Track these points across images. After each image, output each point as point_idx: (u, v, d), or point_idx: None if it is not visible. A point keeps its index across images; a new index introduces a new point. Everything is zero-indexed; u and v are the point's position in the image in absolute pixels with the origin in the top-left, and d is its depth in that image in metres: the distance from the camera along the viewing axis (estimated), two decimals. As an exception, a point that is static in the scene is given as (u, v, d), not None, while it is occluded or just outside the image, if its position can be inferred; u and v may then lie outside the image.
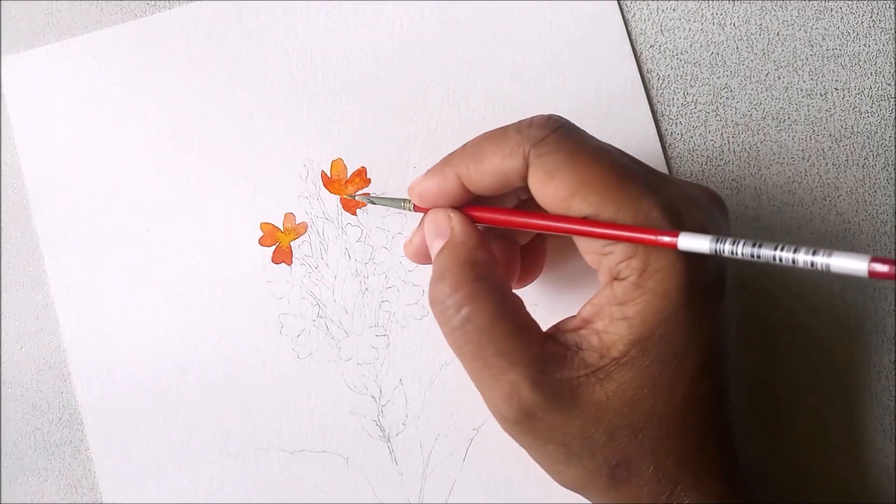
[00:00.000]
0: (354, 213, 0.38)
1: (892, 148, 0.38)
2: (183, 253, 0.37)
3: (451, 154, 0.29)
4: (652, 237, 0.25)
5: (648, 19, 0.39)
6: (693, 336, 0.26)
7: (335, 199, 0.38)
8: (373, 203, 0.36)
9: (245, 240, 0.37)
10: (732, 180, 0.38)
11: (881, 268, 0.20)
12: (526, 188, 0.28)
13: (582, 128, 0.28)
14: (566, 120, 0.28)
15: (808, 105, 0.38)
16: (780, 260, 0.22)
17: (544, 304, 0.36)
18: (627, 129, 0.38)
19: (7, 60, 0.39)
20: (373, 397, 0.37)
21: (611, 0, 0.39)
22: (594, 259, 0.27)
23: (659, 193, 0.26)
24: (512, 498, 0.36)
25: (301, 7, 0.39)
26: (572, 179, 0.26)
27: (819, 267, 0.21)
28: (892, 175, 0.38)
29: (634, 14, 0.39)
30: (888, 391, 0.37)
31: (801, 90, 0.38)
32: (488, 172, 0.28)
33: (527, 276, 0.34)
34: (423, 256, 0.31)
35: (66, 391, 0.37)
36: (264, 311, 0.37)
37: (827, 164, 0.38)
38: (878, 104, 0.38)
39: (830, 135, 0.38)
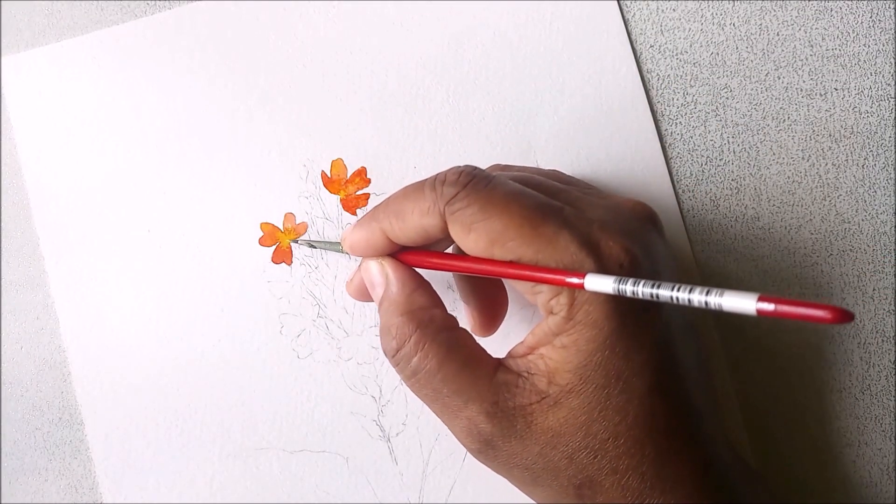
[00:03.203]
0: (354, 213, 0.38)
1: (892, 148, 0.38)
2: (183, 253, 0.37)
3: (376, 208, 0.30)
4: (561, 278, 0.26)
5: (648, 19, 0.39)
6: (632, 357, 0.26)
7: (335, 199, 0.38)
8: (312, 247, 0.37)
9: (245, 240, 0.37)
10: (732, 180, 0.38)
11: (766, 307, 0.21)
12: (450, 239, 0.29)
13: (494, 174, 0.29)
14: (479, 170, 0.29)
15: (808, 105, 0.38)
16: (678, 300, 0.23)
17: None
18: (627, 129, 0.38)
19: (7, 60, 0.39)
20: (373, 397, 0.37)
21: (611, 0, 0.39)
22: (530, 297, 0.28)
23: (576, 227, 0.27)
24: (512, 498, 0.36)
25: (301, 7, 0.39)
26: (488, 230, 0.27)
27: (713, 306, 0.22)
28: (892, 175, 0.38)
29: (634, 14, 0.39)
30: (888, 391, 0.37)
31: (801, 90, 0.38)
32: (410, 229, 0.29)
33: (487, 328, 0.35)
34: (364, 296, 0.32)
35: (66, 391, 0.37)
36: (264, 311, 0.37)
37: (827, 164, 0.38)
38: (878, 104, 0.38)
39: (830, 135, 0.38)
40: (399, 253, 0.31)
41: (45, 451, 0.37)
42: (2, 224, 0.38)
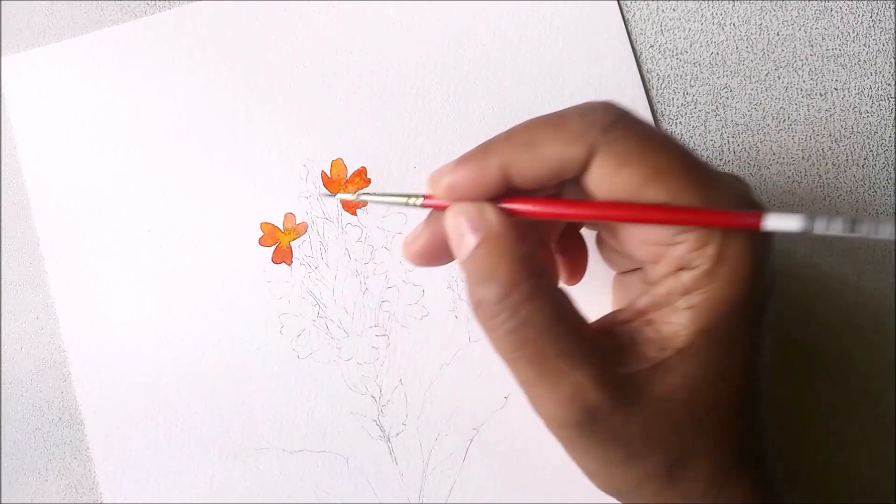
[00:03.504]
0: (354, 213, 0.38)
1: (892, 148, 0.38)
2: (183, 253, 0.37)
3: (492, 141, 0.26)
4: (734, 218, 0.23)
5: (648, 19, 0.39)
6: (753, 324, 0.25)
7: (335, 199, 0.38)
8: (371, 200, 0.31)
9: (245, 240, 0.37)
10: (732, 180, 0.38)
11: None
12: (576, 179, 0.26)
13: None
14: (624, 106, 0.26)
15: (808, 105, 0.38)
16: (877, 231, 0.22)
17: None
18: (627, 129, 0.38)
19: (7, 60, 0.39)
20: (373, 397, 0.37)
21: (611, 0, 0.38)
22: (654, 251, 0.25)
23: (725, 177, 0.25)
24: (512, 498, 0.36)
25: (301, 7, 0.39)
26: (647, 166, 0.24)
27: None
28: (892, 175, 0.38)
29: (634, 14, 0.39)
30: (888, 391, 0.37)
31: (801, 90, 0.38)
32: (544, 161, 0.25)
33: (573, 277, 0.32)
34: (429, 257, 0.28)
35: (66, 391, 0.37)
36: (264, 311, 0.37)
37: (827, 164, 0.38)
38: (878, 104, 0.38)
39: (830, 135, 0.38)
40: (501, 200, 0.26)
41: (45, 451, 0.37)
42: (2, 224, 0.38)
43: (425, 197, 0.27)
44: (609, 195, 0.25)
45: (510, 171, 0.25)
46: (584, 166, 0.25)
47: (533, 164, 0.25)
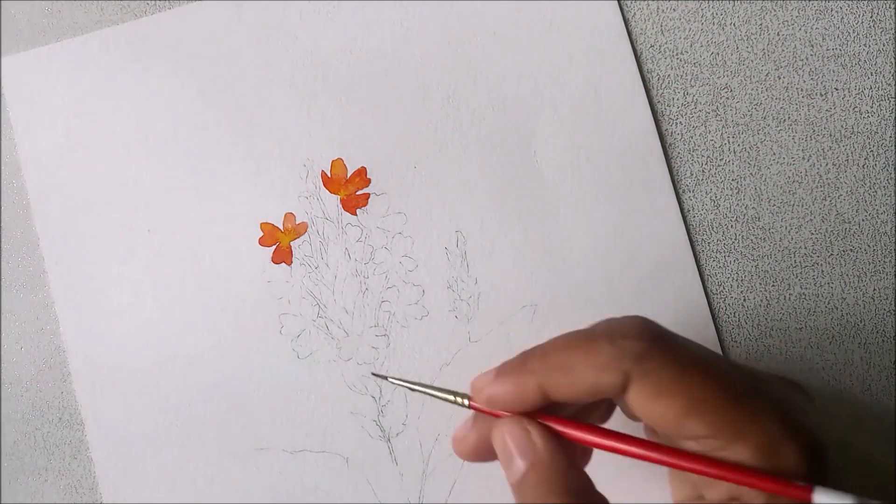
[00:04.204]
0: (354, 213, 0.38)
1: (892, 148, 0.38)
2: (183, 253, 0.37)
3: (528, 358, 0.26)
4: (782, 486, 0.23)
5: (648, 19, 0.39)
6: None
7: (335, 199, 0.38)
8: (412, 391, 0.30)
9: (245, 240, 0.37)
10: (732, 180, 0.38)
11: None
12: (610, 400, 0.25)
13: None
14: (657, 325, 0.25)
15: (808, 105, 0.38)
16: None
17: (546, 305, 0.36)
18: (627, 129, 0.38)
19: (7, 60, 0.39)
20: (373, 397, 0.37)
21: (611, 0, 0.38)
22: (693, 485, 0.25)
23: (774, 401, 0.24)
24: (512, 498, 0.36)
25: (301, 7, 0.39)
26: (685, 398, 0.23)
27: None
28: (892, 175, 0.38)
29: (634, 14, 0.39)
30: (888, 391, 0.36)
31: (801, 90, 0.38)
32: (579, 386, 0.25)
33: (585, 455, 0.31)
34: (480, 455, 0.27)
35: (66, 391, 0.37)
36: (264, 311, 0.37)
37: (827, 164, 0.38)
38: (878, 104, 0.38)
39: (830, 135, 0.38)
40: (543, 416, 0.26)
41: (45, 451, 0.37)
42: (2, 224, 0.38)
43: (470, 399, 0.27)
44: (649, 420, 0.24)
45: (547, 389, 0.25)
46: (622, 390, 0.24)
47: (569, 387, 0.25)
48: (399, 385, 0.30)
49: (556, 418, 0.26)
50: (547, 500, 0.24)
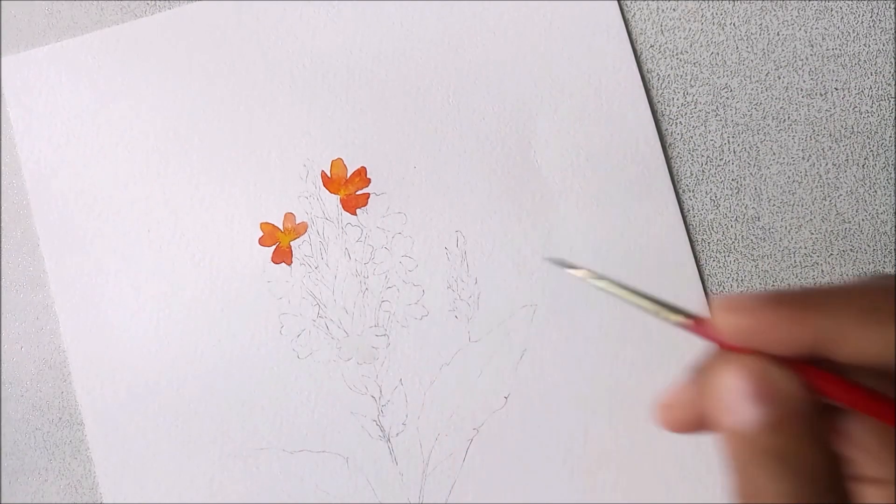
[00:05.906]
0: (354, 213, 0.38)
1: (892, 148, 0.38)
2: (183, 253, 0.37)
3: (814, 293, 0.19)
4: None
5: (648, 19, 0.39)
6: None
7: (335, 199, 0.38)
8: (610, 291, 0.23)
9: (245, 240, 0.37)
10: (732, 180, 0.38)
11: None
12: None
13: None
14: None
15: (808, 105, 0.38)
16: None
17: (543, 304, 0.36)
18: (627, 129, 0.38)
19: (7, 60, 0.39)
20: (373, 397, 0.37)
21: (611, 0, 0.39)
22: None
23: None
24: (512, 498, 0.36)
25: (301, 7, 0.39)
26: None
27: None
28: (892, 175, 0.38)
29: (634, 14, 0.39)
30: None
31: (801, 90, 0.38)
32: (882, 346, 0.18)
33: None
34: (697, 426, 0.20)
35: (66, 391, 0.37)
36: (264, 311, 0.37)
37: (827, 164, 0.38)
38: (878, 104, 0.38)
39: (830, 135, 0.38)
40: (804, 366, 0.19)
41: (45, 451, 0.37)
42: (2, 224, 0.38)
43: (695, 320, 0.20)
44: None
45: (829, 338, 0.18)
46: None
47: (869, 345, 0.18)
48: (589, 282, 0.22)
49: (830, 376, 0.19)
50: (797, 453, 0.18)
